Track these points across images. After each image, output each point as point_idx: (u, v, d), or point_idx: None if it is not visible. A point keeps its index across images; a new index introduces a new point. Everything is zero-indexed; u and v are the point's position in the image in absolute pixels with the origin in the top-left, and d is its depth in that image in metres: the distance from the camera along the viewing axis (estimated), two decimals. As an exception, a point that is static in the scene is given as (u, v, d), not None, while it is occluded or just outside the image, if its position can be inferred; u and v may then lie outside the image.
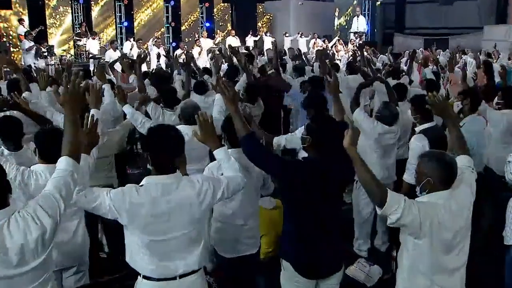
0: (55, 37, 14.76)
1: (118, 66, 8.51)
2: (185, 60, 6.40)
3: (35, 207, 1.93)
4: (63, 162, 2.09)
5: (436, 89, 5.05)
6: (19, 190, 2.64)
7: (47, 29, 14.09)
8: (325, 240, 2.64)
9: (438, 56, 10.62)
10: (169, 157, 2.31)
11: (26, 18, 13.35)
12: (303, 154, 2.91)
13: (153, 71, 8.49)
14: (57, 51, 13.63)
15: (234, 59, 6.72)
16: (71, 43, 14.79)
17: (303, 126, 2.84)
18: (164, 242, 2.26)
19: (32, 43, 11.64)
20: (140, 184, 2.29)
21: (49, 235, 1.93)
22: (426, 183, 2.30)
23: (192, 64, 6.86)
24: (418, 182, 2.36)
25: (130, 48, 12.53)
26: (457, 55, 12.17)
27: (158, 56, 11.13)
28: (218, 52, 10.10)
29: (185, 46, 12.87)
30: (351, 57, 10.02)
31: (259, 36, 16.75)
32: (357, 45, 12.56)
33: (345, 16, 21.27)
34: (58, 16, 14.92)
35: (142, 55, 6.44)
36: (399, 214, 2.14)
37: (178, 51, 12.26)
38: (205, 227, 2.47)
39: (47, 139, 2.78)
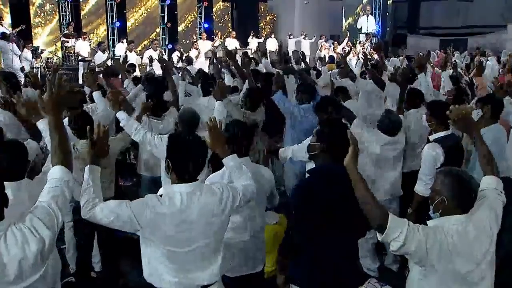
0: (41, 38, 14.86)
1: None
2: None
3: (31, 219, 1.94)
4: (57, 171, 2.12)
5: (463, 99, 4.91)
6: None
7: (32, 29, 14.13)
8: (344, 260, 2.61)
9: (453, 60, 10.63)
10: (197, 166, 2.40)
11: (8, 16, 13.27)
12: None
13: (147, 76, 8.57)
14: (43, 53, 13.66)
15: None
16: (58, 44, 14.83)
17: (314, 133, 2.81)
18: (188, 253, 2.34)
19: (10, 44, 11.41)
20: (159, 194, 2.36)
21: (48, 248, 1.96)
22: (439, 202, 2.24)
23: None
24: (432, 201, 2.31)
25: (125, 52, 12.53)
26: (476, 57, 12.22)
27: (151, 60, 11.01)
28: (221, 55, 10.16)
29: (181, 49, 12.94)
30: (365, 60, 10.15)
31: (263, 38, 16.80)
32: (373, 46, 12.57)
33: (354, 16, 21.34)
34: (44, 14, 15.02)
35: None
36: (401, 241, 2.06)
37: (174, 55, 12.33)
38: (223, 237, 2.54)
39: (7, 155, 2.69)
